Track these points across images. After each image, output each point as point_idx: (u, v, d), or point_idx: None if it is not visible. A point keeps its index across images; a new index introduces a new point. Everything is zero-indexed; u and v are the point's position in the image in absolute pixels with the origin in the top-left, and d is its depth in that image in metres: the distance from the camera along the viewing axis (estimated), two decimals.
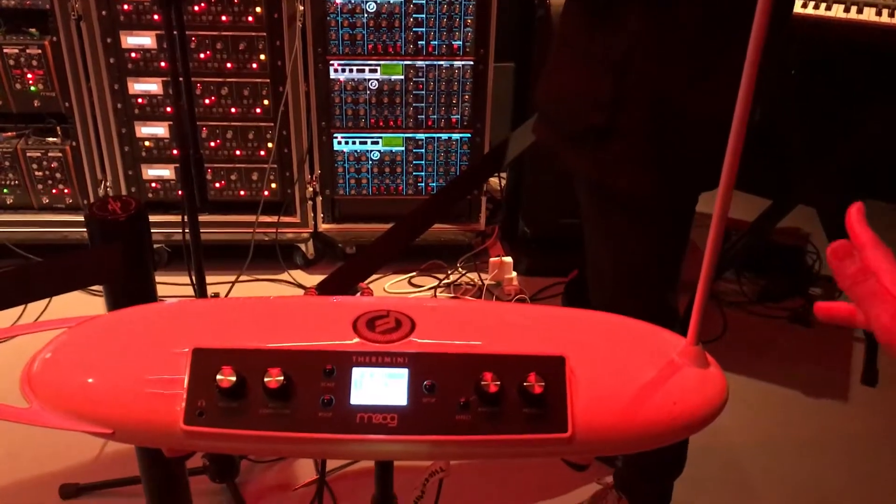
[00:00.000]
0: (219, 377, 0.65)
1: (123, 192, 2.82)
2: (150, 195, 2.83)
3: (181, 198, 1.78)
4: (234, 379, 0.65)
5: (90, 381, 0.69)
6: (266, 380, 0.65)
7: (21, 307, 2.46)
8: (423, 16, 2.64)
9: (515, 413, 0.66)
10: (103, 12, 2.57)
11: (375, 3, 2.62)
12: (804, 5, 2.24)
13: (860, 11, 2.20)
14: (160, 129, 2.75)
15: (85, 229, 2.76)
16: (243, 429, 0.65)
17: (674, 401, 0.68)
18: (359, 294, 0.83)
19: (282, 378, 0.65)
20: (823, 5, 2.24)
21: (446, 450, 0.68)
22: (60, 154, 2.75)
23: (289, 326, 0.73)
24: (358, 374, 0.67)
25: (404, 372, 0.68)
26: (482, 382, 0.66)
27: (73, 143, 2.74)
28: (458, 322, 0.75)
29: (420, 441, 0.66)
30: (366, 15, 2.63)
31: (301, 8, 2.60)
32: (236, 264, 2.78)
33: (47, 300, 2.51)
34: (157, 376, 0.68)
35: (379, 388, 0.67)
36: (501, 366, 0.67)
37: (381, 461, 0.80)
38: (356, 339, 0.70)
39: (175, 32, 1.67)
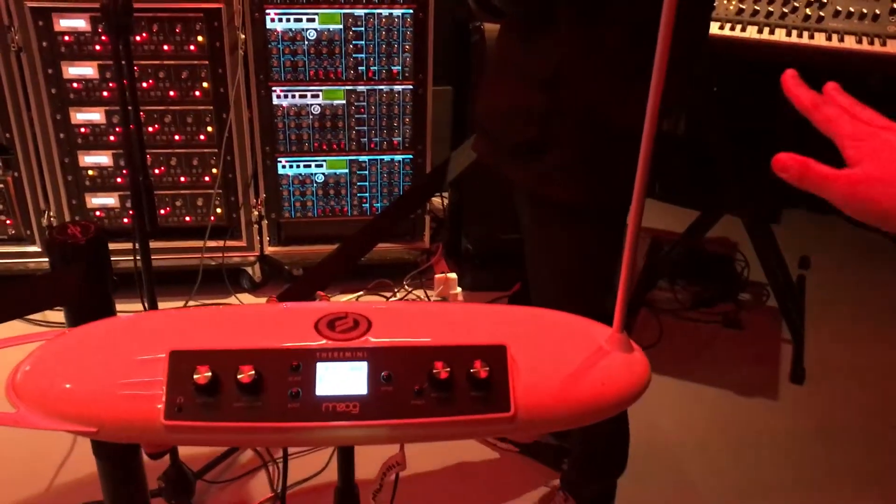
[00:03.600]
0: (196, 375, 0.72)
1: (67, 222, 2.82)
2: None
3: (129, 225, 1.81)
4: (209, 375, 0.71)
5: (74, 385, 0.74)
6: (239, 376, 0.72)
7: None
8: (363, 42, 2.73)
9: (464, 396, 0.74)
10: (44, 43, 2.59)
11: (316, 30, 2.70)
12: (721, 27, 2.39)
13: (772, 32, 2.36)
14: (104, 158, 2.77)
15: (29, 260, 2.78)
16: (219, 421, 0.72)
17: (602, 382, 0.77)
18: (318, 300, 0.90)
19: (253, 373, 0.72)
20: (739, 27, 2.39)
21: (404, 432, 0.75)
22: (2, 185, 2.75)
23: (256, 330, 0.80)
24: (322, 368, 0.74)
25: (363, 365, 0.75)
26: (434, 371, 0.74)
27: (16, 174, 2.74)
28: (410, 320, 0.82)
29: (380, 425, 0.73)
30: (306, 42, 2.71)
31: (243, 36, 2.66)
32: (183, 290, 2.81)
33: None
34: (136, 378, 0.74)
35: (341, 379, 0.74)
36: (450, 355, 0.75)
37: (344, 448, 0.87)
38: (318, 338, 0.77)
39: (123, 62, 1.72)
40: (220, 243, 2.88)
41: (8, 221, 2.81)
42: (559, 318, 0.85)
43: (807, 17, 2.35)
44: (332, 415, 0.72)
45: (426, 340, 0.78)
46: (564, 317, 0.85)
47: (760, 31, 2.38)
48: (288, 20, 2.68)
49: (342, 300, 2.97)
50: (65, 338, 0.82)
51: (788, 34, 2.35)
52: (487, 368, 0.73)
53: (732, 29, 2.40)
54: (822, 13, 2.33)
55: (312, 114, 2.81)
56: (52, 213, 2.81)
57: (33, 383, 0.76)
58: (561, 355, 0.79)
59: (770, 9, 2.40)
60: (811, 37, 2.33)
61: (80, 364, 0.77)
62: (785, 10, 2.38)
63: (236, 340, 0.77)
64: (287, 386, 0.73)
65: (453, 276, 2.98)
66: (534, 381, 0.75)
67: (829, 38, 2.31)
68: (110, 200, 2.83)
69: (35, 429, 0.72)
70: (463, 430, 0.75)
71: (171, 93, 2.71)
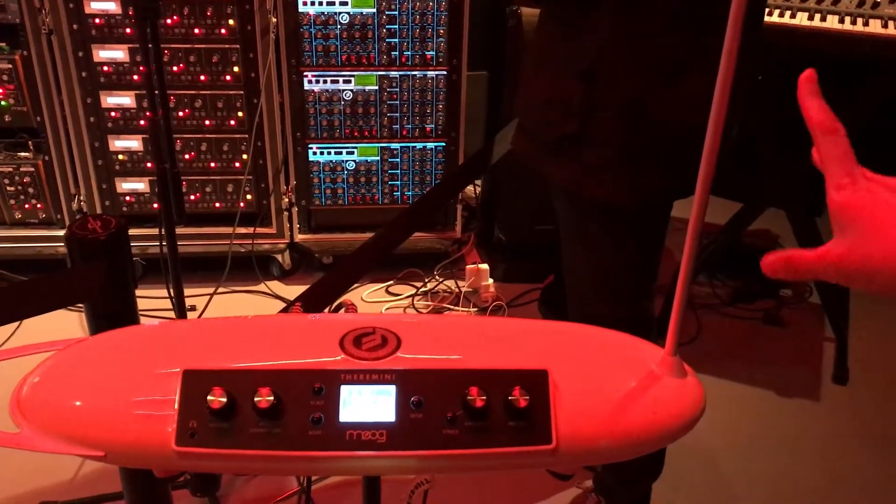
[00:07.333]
0: (209, 398, 0.66)
1: (97, 206, 2.80)
2: (124, 209, 2.82)
3: (158, 211, 1.78)
4: (224, 399, 0.66)
5: (81, 404, 0.69)
6: (256, 399, 0.66)
7: None
8: (396, 27, 2.66)
9: (501, 426, 0.67)
10: (74, 26, 2.56)
11: (348, 14, 2.63)
12: (769, 13, 2.29)
13: (823, 19, 2.25)
14: (134, 143, 2.74)
15: (59, 244, 2.77)
16: (235, 448, 0.66)
17: (653, 410, 0.70)
18: (343, 311, 0.84)
19: (271, 398, 0.66)
20: (788, 13, 2.29)
21: (435, 464, 0.69)
22: (33, 169, 2.73)
23: (276, 346, 0.74)
24: (346, 391, 0.69)
25: (392, 388, 0.69)
26: (468, 397, 0.68)
27: (46, 158, 2.72)
28: (443, 337, 0.76)
29: (409, 456, 0.67)
30: (339, 26, 2.65)
31: (274, 20, 2.60)
32: (213, 276, 2.78)
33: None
34: (147, 398, 0.69)
35: (367, 405, 0.68)
36: (487, 380, 0.69)
37: (370, 476, 0.82)
38: (343, 357, 0.71)
39: (150, 46, 1.67)
40: (250, 230, 2.85)
41: (38, 205, 2.79)
42: (605, 336, 0.78)
43: (861, 3, 2.24)
44: (356, 444, 0.66)
45: (460, 361, 0.72)
46: (611, 335, 0.78)
47: (811, 18, 2.27)
48: (320, 3, 2.62)
49: (368, 291, 2.92)
50: (78, 348, 0.77)
51: (841, 21, 2.24)
52: (527, 397, 0.67)
53: (781, 15, 2.30)
54: None
55: (344, 99, 2.75)
56: (81, 198, 2.79)
57: (41, 398, 0.71)
58: (608, 380, 0.72)
59: None
60: (865, 24, 2.22)
61: (92, 378, 0.72)
62: None
63: (255, 357, 0.71)
64: (308, 411, 0.67)
65: (485, 266, 2.92)
66: (578, 410, 0.69)
67: (885, 26, 2.20)
68: (140, 185, 2.81)
69: (38, 451, 0.67)
70: (499, 462, 0.69)
71: (202, 77, 2.66)
